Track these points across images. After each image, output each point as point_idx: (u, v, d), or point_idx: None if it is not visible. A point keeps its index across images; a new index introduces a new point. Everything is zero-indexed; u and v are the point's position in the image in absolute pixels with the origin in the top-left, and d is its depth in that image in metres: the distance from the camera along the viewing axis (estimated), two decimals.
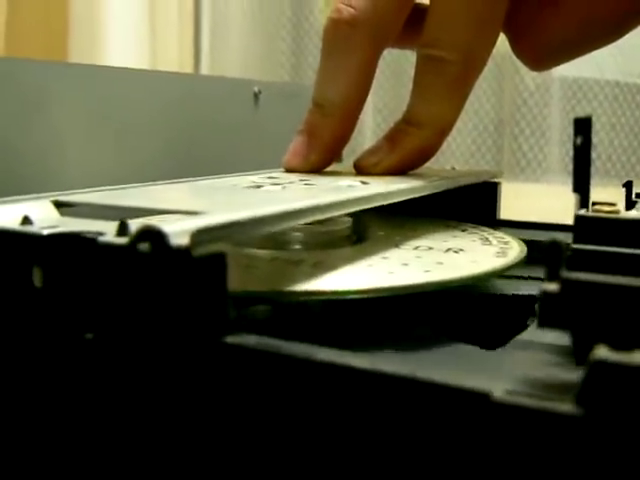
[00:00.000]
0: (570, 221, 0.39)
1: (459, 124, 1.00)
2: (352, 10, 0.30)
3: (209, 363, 0.16)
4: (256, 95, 0.41)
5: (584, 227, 0.20)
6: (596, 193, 0.58)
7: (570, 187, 0.63)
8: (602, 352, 0.13)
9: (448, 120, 0.32)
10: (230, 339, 0.16)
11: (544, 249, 0.15)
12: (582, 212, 0.21)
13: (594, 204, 0.23)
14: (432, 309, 0.26)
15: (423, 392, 0.15)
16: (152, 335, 0.17)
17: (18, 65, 0.30)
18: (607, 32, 0.32)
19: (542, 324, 0.14)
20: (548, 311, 0.15)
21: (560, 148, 0.90)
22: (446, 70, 0.30)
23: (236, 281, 0.17)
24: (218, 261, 0.17)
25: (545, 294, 0.15)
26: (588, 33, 0.32)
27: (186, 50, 1.00)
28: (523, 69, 0.92)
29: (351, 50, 0.31)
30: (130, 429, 0.17)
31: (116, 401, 0.18)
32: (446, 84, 0.31)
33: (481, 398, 0.14)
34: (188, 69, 0.98)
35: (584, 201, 0.62)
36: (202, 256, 0.16)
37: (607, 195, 0.71)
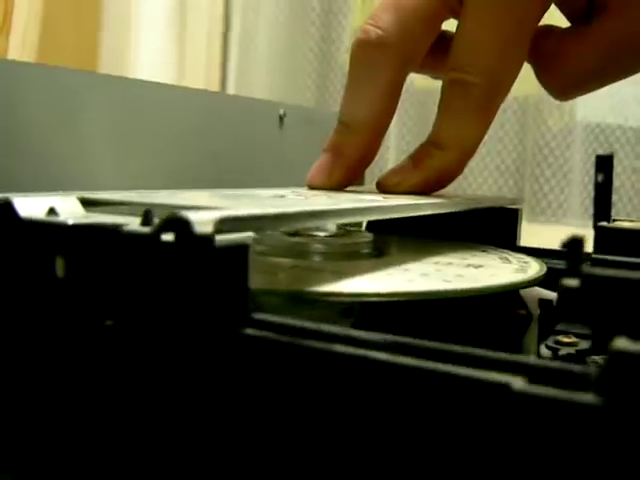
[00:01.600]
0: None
1: (481, 164, 1.01)
2: (379, 31, 0.31)
3: (228, 354, 0.17)
4: (281, 118, 0.42)
5: (604, 238, 0.20)
6: None
7: (590, 230, 0.63)
8: (621, 342, 0.13)
9: (472, 142, 0.32)
10: (249, 331, 0.16)
11: (564, 245, 0.15)
12: (603, 223, 0.21)
13: (614, 220, 0.23)
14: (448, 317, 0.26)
15: (443, 384, 0.15)
16: (173, 324, 0.17)
17: (52, 72, 0.31)
18: (637, 61, 0.32)
19: (562, 318, 0.14)
20: (568, 305, 0.15)
21: (581, 190, 0.90)
22: (472, 93, 0.31)
23: (257, 283, 0.17)
24: (241, 252, 0.17)
25: (565, 289, 0.15)
26: (616, 62, 0.32)
27: (214, 70, 1.01)
28: (546, 111, 0.93)
29: (377, 71, 0.31)
30: (149, 417, 0.17)
31: (135, 389, 0.18)
32: (471, 107, 0.31)
33: (501, 389, 0.14)
34: (214, 89, 1.00)
35: None
36: (225, 246, 0.17)
37: None
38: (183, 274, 0.17)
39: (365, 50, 0.31)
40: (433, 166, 0.32)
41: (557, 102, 0.93)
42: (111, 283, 0.18)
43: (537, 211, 0.92)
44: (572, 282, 0.15)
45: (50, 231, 0.19)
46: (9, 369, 0.20)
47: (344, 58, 1.01)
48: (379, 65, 0.31)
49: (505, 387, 0.14)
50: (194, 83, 0.98)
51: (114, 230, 0.18)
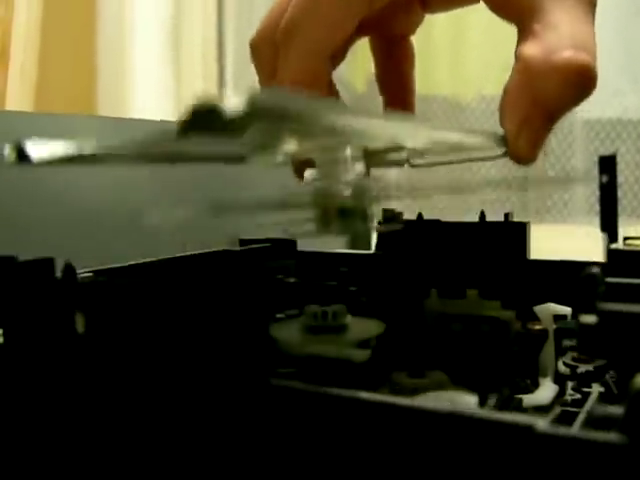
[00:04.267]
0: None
1: (482, 169, 1.01)
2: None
3: (258, 403, 0.17)
4: None
5: (616, 260, 0.21)
6: (624, 232, 0.58)
7: (596, 227, 0.63)
8: None
9: None
10: (276, 381, 0.17)
11: (579, 281, 0.15)
12: (614, 246, 0.21)
13: (626, 239, 0.23)
14: None
15: (468, 427, 0.15)
16: (209, 379, 0.17)
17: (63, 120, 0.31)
18: None
19: (581, 355, 0.15)
20: (587, 342, 0.15)
21: (585, 189, 0.90)
22: None
23: None
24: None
25: (583, 326, 0.15)
26: None
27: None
28: None
29: None
30: (185, 464, 0.18)
31: (170, 438, 0.18)
32: None
33: (525, 431, 0.14)
34: None
35: (612, 240, 0.62)
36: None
37: (635, 234, 0.70)
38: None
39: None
40: None
41: None
42: (136, 341, 0.18)
43: (542, 211, 0.92)
44: (589, 319, 0.15)
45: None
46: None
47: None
48: None
49: (529, 429, 0.14)
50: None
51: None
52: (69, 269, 0.20)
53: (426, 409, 0.15)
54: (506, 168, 0.95)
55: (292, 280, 0.39)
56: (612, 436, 0.13)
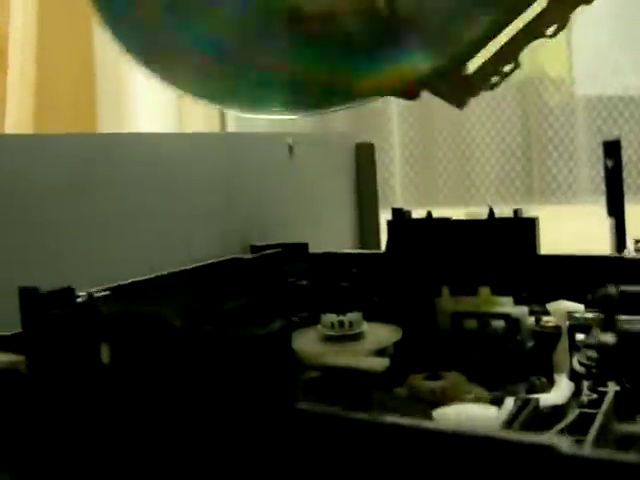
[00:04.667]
0: (606, 242, 0.39)
1: (487, 152, 1.01)
2: None
3: (285, 427, 0.17)
4: (291, 147, 0.42)
5: (631, 269, 0.21)
6: (630, 212, 0.59)
7: (601, 206, 0.63)
8: None
9: None
10: (303, 405, 0.17)
11: (598, 300, 0.16)
12: (630, 255, 0.22)
13: (637, 242, 0.23)
14: None
15: (490, 448, 0.15)
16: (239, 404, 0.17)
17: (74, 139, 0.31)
18: None
19: (601, 375, 0.15)
20: (606, 362, 0.15)
21: (590, 169, 0.90)
22: None
23: None
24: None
25: (602, 345, 0.15)
26: None
27: (213, 111, 1.02)
28: (546, 92, 0.93)
29: None
30: None
31: (198, 463, 0.18)
32: None
33: (548, 451, 0.14)
34: (215, 128, 1.00)
35: (619, 224, 0.63)
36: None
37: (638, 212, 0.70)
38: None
39: None
40: None
41: (556, 81, 0.93)
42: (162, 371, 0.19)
43: (547, 193, 0.92)
44: (609, 339, 0.15)
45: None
46: None
47: None
48: None
49: (551, 450, 0.14)
50: (194, 126, 0.98)
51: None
52: (91, 299, 0.20)
53: (450, 431, 0.16)
54: (509, 149, 0.95)
55: (304, 283, 0.39)
56: (635, 457, 0.13)
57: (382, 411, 0.27)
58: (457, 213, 1.01)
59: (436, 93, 0.32)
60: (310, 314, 0.35)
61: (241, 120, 1.03)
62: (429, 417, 0.26)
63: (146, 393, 0.19)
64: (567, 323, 0.31)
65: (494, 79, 0.32)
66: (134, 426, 0.19)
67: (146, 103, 1.00)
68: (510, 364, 0.31)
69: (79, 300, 0.23)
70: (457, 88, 0.32)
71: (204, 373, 0.18)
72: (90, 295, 0.21)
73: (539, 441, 0.15)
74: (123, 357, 0.19)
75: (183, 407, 0.18)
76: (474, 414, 0.22)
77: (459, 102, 0.32)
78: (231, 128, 1.03)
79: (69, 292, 0.21)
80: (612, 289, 0.16)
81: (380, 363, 0.27)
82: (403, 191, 1.00)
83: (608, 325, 0.15)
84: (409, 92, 0.32)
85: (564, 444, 0.14)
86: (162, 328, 0.18)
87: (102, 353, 0.19)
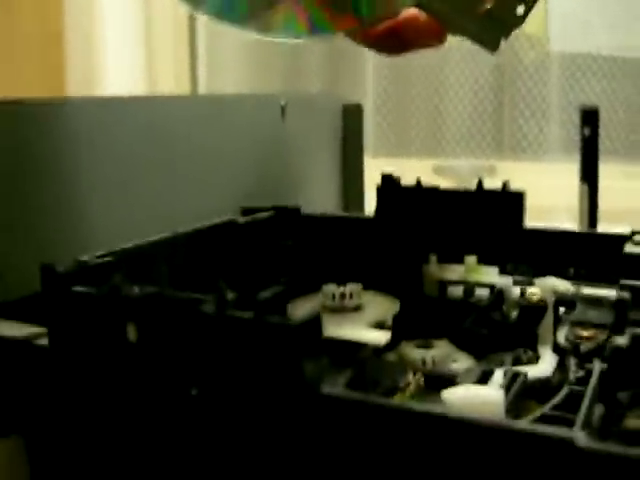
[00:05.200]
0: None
1: (459, 106, 1.02)
2: None
3: (308, 412, 0.18)
4: (283, 108, 0.42)
5: (631, 264, 0.22)
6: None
7: (571, 165, 0.64)
8: None
9: None
10: (326, 390, 0.18)
11: (611, 305, 0.17)
12: (631, 250, 0.23)
13: (634, 233, 0.24)
14: None
15: (509, 439, 0.16)
16: (259, 390, 0.18)
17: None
18: None
19: (613, 377, 0.16)
20: (618, 364, 0.16)
21: (560, 128, 0.92)
22: None
23: None
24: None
25: (615, 348, 0.16)
26: None
27: (183, 72, 1.00)
28: (520, 49, 0.94)
29: None
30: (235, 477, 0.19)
31: (223, 443, 0.19)
32: None
33: (566, 445, 0.16)
34: (185, 89, 0.99)
35: (592, 190, 0.64)
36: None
37: (608, 172, 0.72)
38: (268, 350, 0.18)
39: None
40: None
41: (530, 38, 0.94)
42: (192, 355, 0.19)
43: (518, 150, 0.93)
44: (621, 341, 0.16)
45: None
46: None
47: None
48: None
49: (569, 443, 0.16)
50: (165, 89, 0.97)
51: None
52: (117, 280, 0.21)
53: (470, 420, 0.17)
54: (482, 106, 0.96)
55: (293, 244, 0.40)
56: None
57: (364, 372, 0.28)
58: (427, 164, 1.02)
59: (467, 35, 0.30)
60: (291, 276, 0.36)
61: (211, 82, 1.02)
62: (405, 378, 0.27)
63: (174, 373, 0.20)
64: (553, 299, 0.32)
65: (520, 9, 0.31)
66: (162, 405, 0.20)
67: (116, 64, 0.98)
68: (495, 334, 0.33)
69: (84, 260, 0.24)
70: (486, 28, 0.30)
71: (235, 359, 0.19)
72: (117, 276, 0.21)
73: (558, 434, 0.16)
74: (153, 339, 0.20)
75: (210, 391, 0.19)
76: (479, 393, 0.23)
77: (492, 44, 0.31)
78: (202, 89, 1.02)
79: (89, 270, 0.22)
80: (626, 294, 0.17)
81: (379, 337, 0.28)
82: (375, 141, 1.01)
83: (620, 329, 0.16)
84: (436, 35, 0.30)
85: (582, 438, 0.16)
86: (195, 315, 0.19)
87: (129, 332, 0.20)
